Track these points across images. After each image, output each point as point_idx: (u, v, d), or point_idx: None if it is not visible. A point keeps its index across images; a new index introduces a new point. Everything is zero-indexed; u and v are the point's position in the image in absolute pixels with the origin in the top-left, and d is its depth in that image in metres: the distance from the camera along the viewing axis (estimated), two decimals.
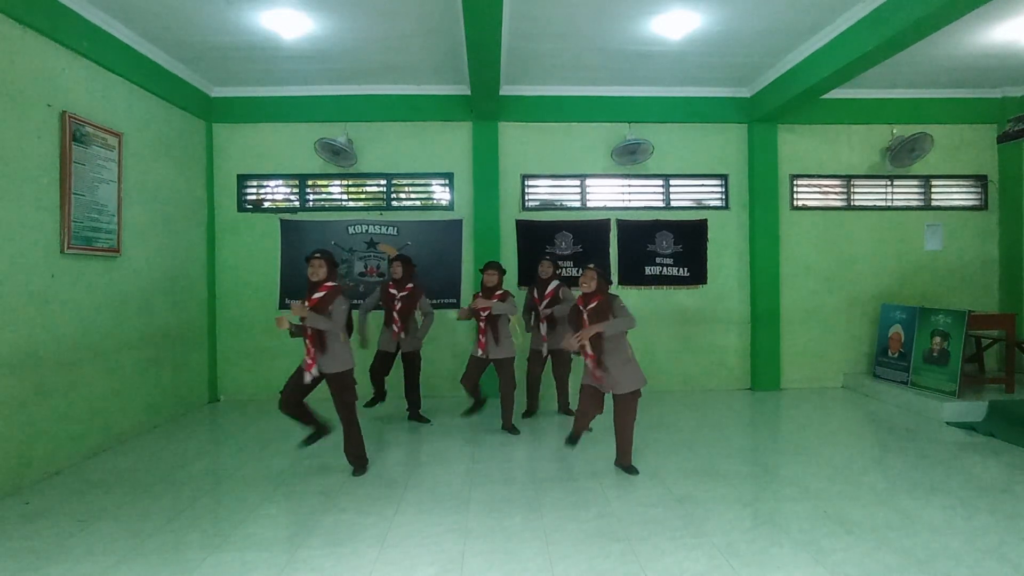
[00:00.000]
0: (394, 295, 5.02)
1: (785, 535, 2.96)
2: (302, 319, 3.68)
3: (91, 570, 2.68)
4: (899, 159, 6.39)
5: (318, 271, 3.80)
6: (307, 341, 3.76)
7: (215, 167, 6.28)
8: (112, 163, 4.62)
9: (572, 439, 3.99)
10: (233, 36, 4.90)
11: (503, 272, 4.91)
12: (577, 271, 6.33)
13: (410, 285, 5.04)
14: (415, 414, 5.29)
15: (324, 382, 3.84)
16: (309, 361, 3.76)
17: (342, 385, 3.84)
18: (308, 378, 3.77)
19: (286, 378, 3.91)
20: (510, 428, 4.91)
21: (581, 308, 3.83)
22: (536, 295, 5.24)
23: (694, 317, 6.54)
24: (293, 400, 3.83)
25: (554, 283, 5.20)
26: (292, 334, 3.80)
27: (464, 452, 4.40)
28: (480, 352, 4.76)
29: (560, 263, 6.19)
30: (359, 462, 3.95)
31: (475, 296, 4.84)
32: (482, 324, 4.74)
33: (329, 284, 3.81)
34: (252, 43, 5.04)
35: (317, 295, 3.77)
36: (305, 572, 2.65)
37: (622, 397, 3.78)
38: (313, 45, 5.11)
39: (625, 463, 3.91)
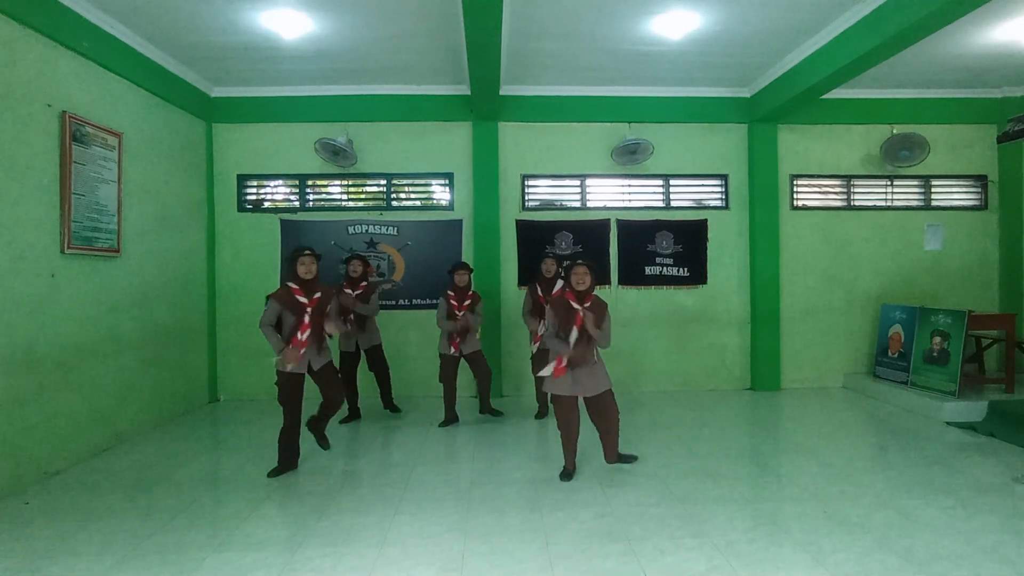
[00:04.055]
0: (350, 294, 5.06)
1: (785, 535, 2.96)
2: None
3: (91, 570, 2.68)
4: (891, 157, 6.40)
5: (311, 267, 3.86)
6: (306, 335, 3.81)
7: (215, 167, 6.28)
8: (112, 163, 4.62)
9: (570, 473, 3.79)
10: (233, 36, 4.90)
11: (471, 271, 5.24)
12: None
13: (364, 283, 5.19)
14: (390, 403, 5.47)
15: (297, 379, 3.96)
16: (302, 350, 3.83)
17: (336, 373, 4.10)
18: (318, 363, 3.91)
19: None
20: (491, 411, 5.23)
21: (575, 305, 3.59)
22: (541, 294, 5.09)
23: (694, 317, 6.53)
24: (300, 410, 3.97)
25: (560, 283, 5.10)
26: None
27: (464, 452, 4.41)
28: (454, 351, 5.02)
29: (560, 263, 6.15)
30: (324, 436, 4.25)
31: (448, 296, 5.01)
32: (460, 326, 5.00)
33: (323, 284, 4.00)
34: (252, 43, 5.04)
35: (316, 295, 3.88)
36: (305, 572, 2.65)
37: (604, 397, 3.73)
38: (313, 45, 5.11)
39: (615, 457, 3.87)
